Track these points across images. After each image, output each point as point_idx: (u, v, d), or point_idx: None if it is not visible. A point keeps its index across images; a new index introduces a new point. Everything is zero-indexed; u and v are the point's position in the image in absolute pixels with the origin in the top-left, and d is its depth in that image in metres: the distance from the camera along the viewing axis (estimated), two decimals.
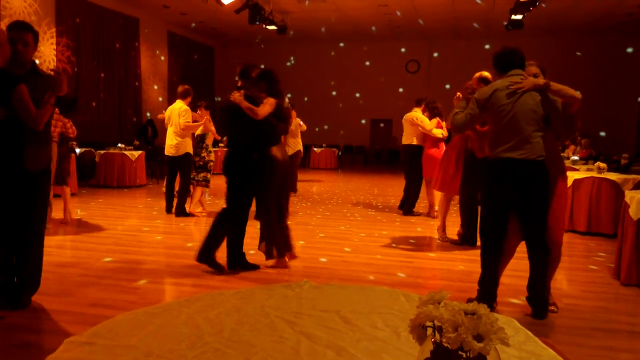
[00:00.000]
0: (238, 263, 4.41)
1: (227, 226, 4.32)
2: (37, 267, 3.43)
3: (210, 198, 9.10)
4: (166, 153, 7.13)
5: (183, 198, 7.06)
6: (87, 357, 1.38)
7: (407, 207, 7.61)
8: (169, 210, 7.25)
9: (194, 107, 7.37)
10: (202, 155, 7.06)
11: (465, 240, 5.58)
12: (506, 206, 3.35)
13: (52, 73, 3.26)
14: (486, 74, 5.45)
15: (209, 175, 7.12)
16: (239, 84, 4.42)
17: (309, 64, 19.57)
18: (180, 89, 7.20)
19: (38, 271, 3.44)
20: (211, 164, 7.17)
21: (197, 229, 6.28)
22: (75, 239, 5.50)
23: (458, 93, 5.41)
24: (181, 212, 7.03)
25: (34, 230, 3.37)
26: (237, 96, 4.18)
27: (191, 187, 7.16)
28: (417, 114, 7.29)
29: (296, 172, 9.33)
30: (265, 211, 4.39)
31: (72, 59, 12.34)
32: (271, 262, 4.52)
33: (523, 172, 3.25)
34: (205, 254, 4.25)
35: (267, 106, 4.20)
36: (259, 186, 4.33)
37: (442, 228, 5.86)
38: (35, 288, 3.44)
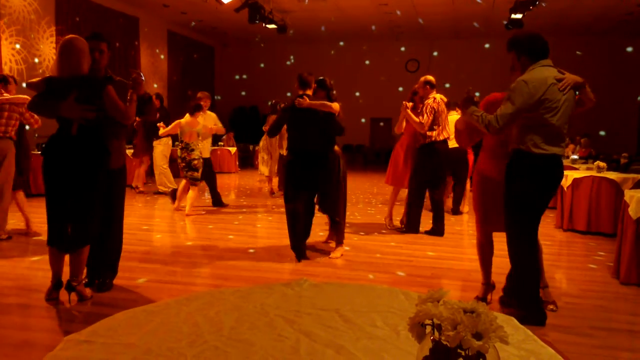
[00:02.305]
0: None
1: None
2: (117, 257, 3.86)
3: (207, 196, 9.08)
4: None
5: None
6: (86, 356, 1.38)
7: (455, 205, 7.76)
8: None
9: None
10: (183, 155, 7.07)
11: (409, 229, 6.12)
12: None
13: (132, 75, 3.60)
14: (431, 78, 5.99)
15: (195, 174, 7.08)
16: (309, 91, 4.84)
17: (308, 63, 19.52)
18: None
19: (117, 260, 3.88)
20: (195, 162, 7.08)
21: (196, 228, 6.28)
22: None
23: (405, 102, 5.92)
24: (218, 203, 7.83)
25: (116, 223, 3.78)
26: (305, 100, 4.65)
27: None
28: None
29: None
30: (338, 204, 4.90)
31: None
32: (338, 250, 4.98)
33: (559, 168, 3.21)
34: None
35: (337, 104, 4.74)
36: (335, 181, 4.83)
37: (390, 217, 6.46)
38: (114, 274, 3.85)
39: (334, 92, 4.90)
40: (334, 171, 4.80)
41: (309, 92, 4.87)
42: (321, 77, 4.96)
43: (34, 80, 3.52)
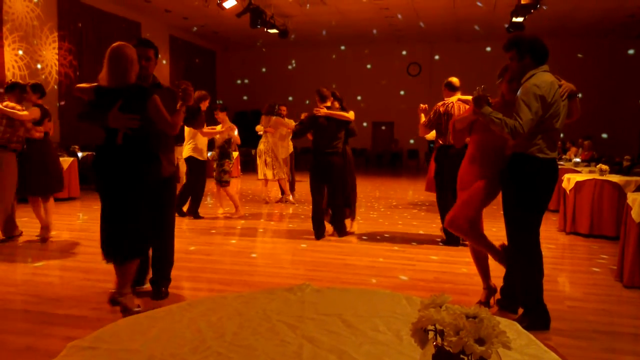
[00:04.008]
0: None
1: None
2: (170, 265, 3.88)
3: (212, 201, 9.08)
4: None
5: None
6: None
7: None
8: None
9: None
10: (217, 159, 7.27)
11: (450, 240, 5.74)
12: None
13: (181, 86, 3.57)
14: (451, 79, 5.72)
15: (225, 176, 7.25)
16: (328, 104, 5.82)
17: (310, 67, 19.60)
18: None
19: (170, 268, 3.89)
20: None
21: (198, 232, 6.28)
22: (77, 243, 5.51)
23: (420, 104, 5.77)
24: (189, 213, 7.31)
25: (167, 232, 3.80)
26: (323, 110, 5.73)
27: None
28: None
29: (292, 174, 9.29)
30: (346, 196, 6.07)
31: (74, 63, 12.38)
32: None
33: (557, 171, 3.24)
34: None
35: (352, 112, 5.88)
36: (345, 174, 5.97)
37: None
38: (169, 281, 3.85)
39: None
40: (345, 166, 5.90)
41: (328, 103, 5.82)
42: (332, 91, 5.98)
43: (84, 85, 3.41)
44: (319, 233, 5.92)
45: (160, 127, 3.34)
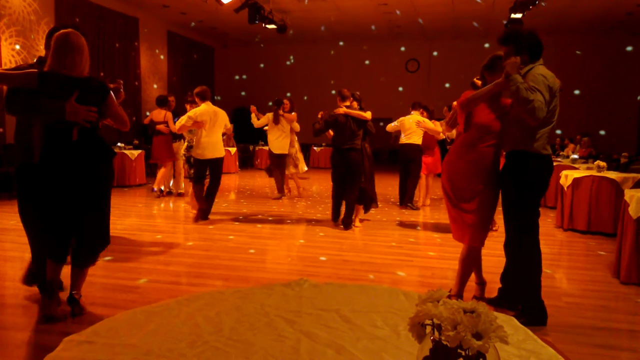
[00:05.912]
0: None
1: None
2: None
3: None
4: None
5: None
6: (86, 356, 1.38)
7: (408, 199, 8.19)
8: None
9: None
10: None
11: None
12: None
13: (112, 85, 3.47)
14: (477, 80, 5.58)
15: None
16: (347, 103, 6.25)
17: (308, 63, 19.56)
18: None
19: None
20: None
21: (196, 228, 6.27)
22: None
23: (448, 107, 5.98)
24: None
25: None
26: (345, 110, 6.14)
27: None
28: (419, 117, 7.87)
29: (284, 172, 9.16)
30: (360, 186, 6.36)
31: None
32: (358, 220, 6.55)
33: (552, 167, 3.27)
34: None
35: (369, 112, 6.27)
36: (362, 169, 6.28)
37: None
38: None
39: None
40: (362, 161, 6.23)
41: (347, 103, 6.24)
42: (352, 92, 6.42)
43: (10, 71, 3.09)
44: (335, 216, 6.49)
45: (115, 123, 3.25)
